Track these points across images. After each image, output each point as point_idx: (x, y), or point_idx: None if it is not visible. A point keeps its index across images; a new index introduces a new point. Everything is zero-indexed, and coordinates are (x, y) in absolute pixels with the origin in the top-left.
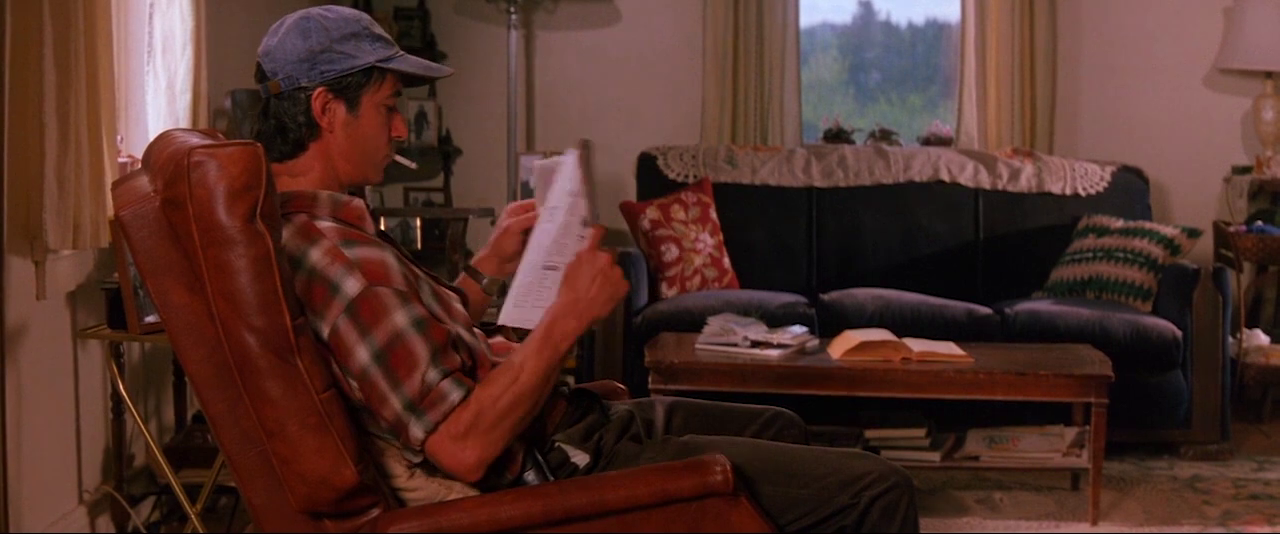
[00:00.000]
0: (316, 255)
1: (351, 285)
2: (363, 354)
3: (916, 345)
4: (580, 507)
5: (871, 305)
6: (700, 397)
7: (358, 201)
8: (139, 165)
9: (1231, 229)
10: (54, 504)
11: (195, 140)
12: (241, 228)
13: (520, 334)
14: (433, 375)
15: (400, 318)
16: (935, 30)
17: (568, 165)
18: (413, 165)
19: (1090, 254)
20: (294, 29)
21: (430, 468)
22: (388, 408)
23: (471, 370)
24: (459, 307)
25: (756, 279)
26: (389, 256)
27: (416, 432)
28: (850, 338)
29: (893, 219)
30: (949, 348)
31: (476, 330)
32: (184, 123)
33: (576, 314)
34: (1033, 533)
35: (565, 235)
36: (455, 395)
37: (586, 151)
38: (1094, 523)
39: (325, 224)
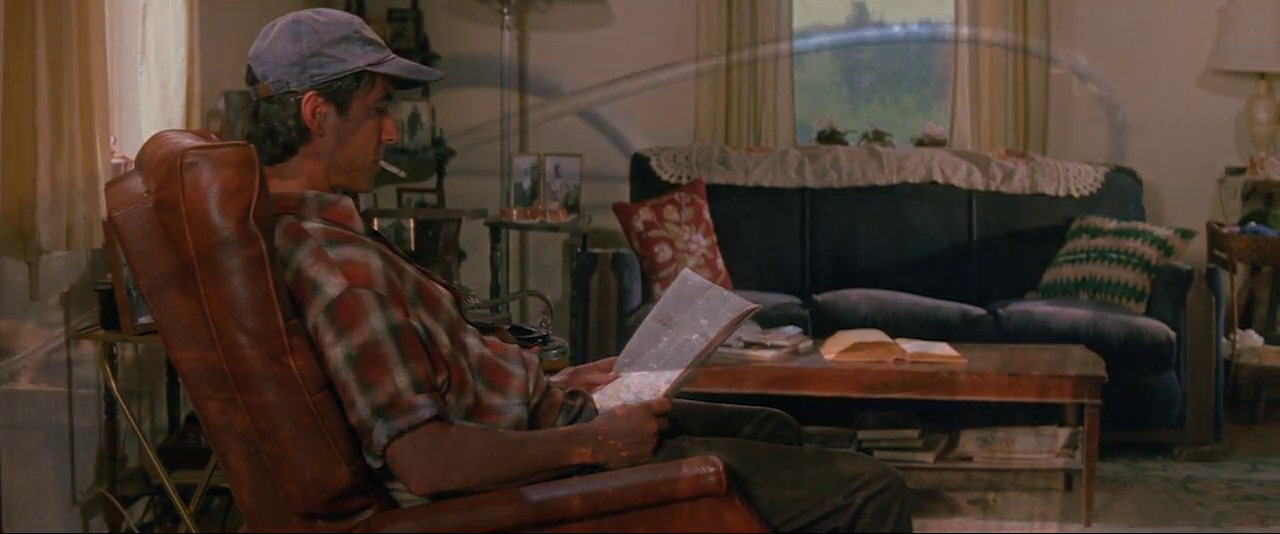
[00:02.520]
0: (302, 256)
1: (332, 287)
2: (336, 355)
3: (910, 346)
4: (574, 507)
5: (865, 306)
6: (693, 398)
7: (346, 201)
8: (132, 167)
9: (1225, 230)
10: (48, 505)
11: (188, 142)
12: (234, 229)
13: (518, 336)
14: (405, 384)
15: (377, 322)
16: (929, 31)
17: (720, 307)
18: (401, 174)
19: (1084, 255)
20: (285, 32)
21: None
22: (355, 411)
23: (443, 386)
24: (448, 305)
25: (750, 280)
26: (372, 257)
27: (380, 436)
28: (843, 339)
29: (886, 220)
30: (942, 349)
31: (470, 327)
32: (177, 124)
33: (595, 448)
34: None
35: (674, 358)
36: (426, 411)
37: (745, 316)
38: (1087, 524)
39: (312, 225)
